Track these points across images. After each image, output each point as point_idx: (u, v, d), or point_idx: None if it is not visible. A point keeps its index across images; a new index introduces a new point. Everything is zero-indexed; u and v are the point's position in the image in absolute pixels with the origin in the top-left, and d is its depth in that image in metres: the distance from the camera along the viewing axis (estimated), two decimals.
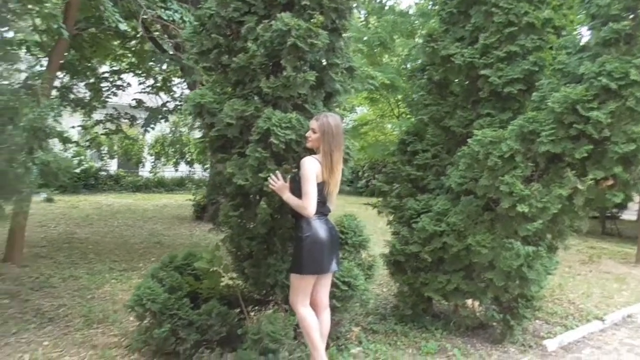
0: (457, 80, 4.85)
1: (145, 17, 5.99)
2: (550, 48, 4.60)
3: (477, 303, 4.79)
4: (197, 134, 18.34)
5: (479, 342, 4.52)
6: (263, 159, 3.25)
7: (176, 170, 21.06)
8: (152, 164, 20.44)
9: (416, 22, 17.59)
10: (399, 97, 19.09)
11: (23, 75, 4.34)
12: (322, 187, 3.17)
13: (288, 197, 3.15)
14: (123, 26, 5.30)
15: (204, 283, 3.95)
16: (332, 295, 3.73)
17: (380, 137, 19.67)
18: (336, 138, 3.16)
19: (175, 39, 6.62)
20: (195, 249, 4.38)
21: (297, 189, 3.15)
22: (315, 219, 3.15)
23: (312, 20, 3.15)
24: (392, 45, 17.11)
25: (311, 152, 3.28)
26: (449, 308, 5.23)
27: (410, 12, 17.96)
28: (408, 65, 18.44)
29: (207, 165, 20.25)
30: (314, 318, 3.29)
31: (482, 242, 4.07)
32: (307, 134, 3.22)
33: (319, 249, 3.16)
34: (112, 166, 20.12)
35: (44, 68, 6.29)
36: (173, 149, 18.88)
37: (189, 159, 20.61)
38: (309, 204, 3.05)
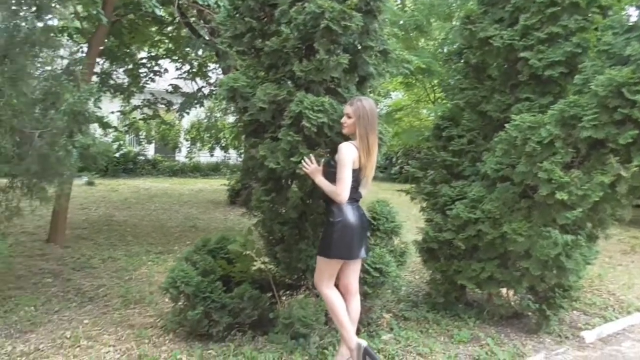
0: (495, 63, 4.70)
1: (181, 2, 6.03)
2: (595, 29, 4.39)
3: (511, 292, 4.69)
4: (232, 119, 18.55)
5: (513, 332, 4.44)
6: (295, 142, 3.24)
7: (211, 155, 21.36)
8: (188, 149, 20.78)
9: (454, 4, 17.16)
10: (435, 81, 18.74)
11: (64, 62, 4.43)
12: (357, 173, 3.14)
13: (320, 180, 3.14)
14: (159, 11, 5.35)
15: (237, 267, 3.99)
16: (364, 282, 3.72)
17: (415, 123, 19.35)
18: (371, 121, 3.12)
19: (210, 23, 6.63)
20: (229, 233, 4.42)
21: (330, 174, 3.13)
22: (347, 205, 3.12)
23: (346, 2, 3.09)
24: (428, 28, 16.74)
25: (345, 138, 3.25)
26: (482, 297, 5.14)
27: None
28: (445, 49, 18.08)
29: (242, 151, 20.47)
30: (340, 298, 3.27)
31: (518, 230, 3.96)
32: (342, 120, 3.18)
33: (349, 235, 3.14)
34: (150, 151, 20.57)
35: (84, 54, 6.43)
36: (208, 134, 19.13)
37: (223, 144, 20.85)
38: (342, 190, 3.02)
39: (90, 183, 14.17)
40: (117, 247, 7.27)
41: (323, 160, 3.24)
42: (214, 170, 20.29)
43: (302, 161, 3.17)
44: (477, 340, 4.19)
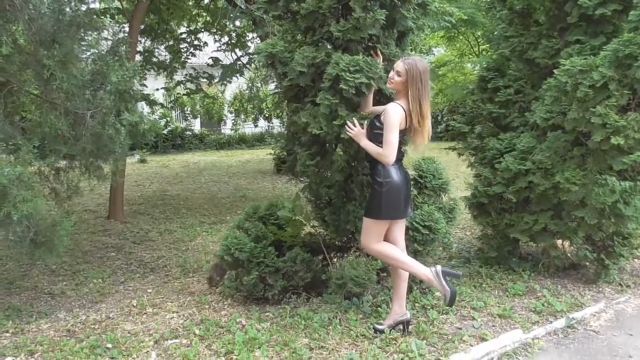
0: (541, 7, 4.47)
1: None
2: None
3: (567, 243, 4.58)
4: (273, 87, 18.60)
5: (570, 283, 4.35)
6: (334, 105, 3.22)
7: (255, 126, 21.58)
8: (233, 121, 21.05)
9: None
10: (479, 33, 18.07)
11: (109, 43, 4.55)
12: (402, 133, 3.10)
13: (366, 144, 3.12)
14: None
15: (287, 231, 4.07)
16: (414, 239, 3.72)
17: (460, 78, 18.81)
18: (424, 84, 3.04)
19: None
20: (277, 199, 4.50)
21: (375, 135, 3.10)
22: (392, 165, 3.10)
23: None
24: None
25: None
26: (537, 250, 5.05)
27: None
28: None
29: (285, 119, 20.56)
30: (391, 245, 3.27)
31: (571, 179, 3.84)
32: (390, 75, 3.12)
33: (396, 195, 3.13)
34: (196, 126, 20.98)
35: (126, 34, 6.57)
36: (251, 105, 19.30)
37: (267, 115, 20.99)
38: (390, 153, 3.00)
39: (142, 160, 14.66)
40: (173, 220, 7.55)
41: (366, 122, 3.21)
42: (259, 140, 20.54)
43: (346, 125, 3.16)
44: (533, 292, 4.15)
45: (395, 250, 3.26)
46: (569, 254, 4.50)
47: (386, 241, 3.31)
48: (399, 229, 3.35)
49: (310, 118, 3.31)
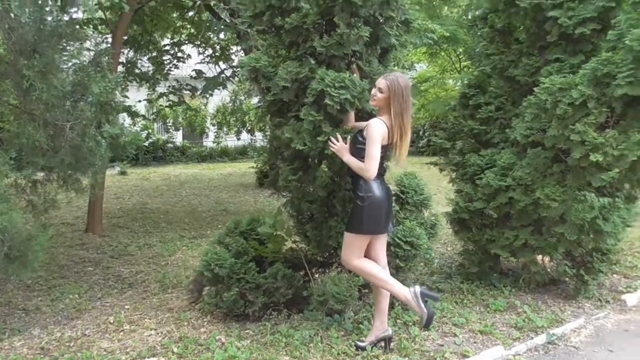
0: (522, 25, 4.55)
1: None
2: None
3: (547, 259, 4.61)
4: (256, 100, 18.58)
5: (550, 298, 4.38)
6: (317, 121, 3.21)
7: (238, 139, 21.50)
8: (215, 133, 20.95)
9: None
10: (460, 50, 18.35)
11: (91, 54, 4.50)
12: (385, 149, 3.11)
13: (348, 158, 3.12)
14: None
15: (268, 247, 4.03)
16: (395, 255, 3.71)
17: (442, 94, 19.04)
18: (406, 100, 3.06)
19: (229, 4, 6.59)
20: (259, 214, 4.46)
21: (357, 150, 3.11)
22: (374, 180, 3.10)
23: None
24: None
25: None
26: (517, 265, 5.08)
27: None
28: (469, 16, 17.60)
29: (268, 132, 20.53)
30: (371, 262, 3.25)
31: (551, 195, 3.88)
32: (372, 92, 3.14)
33: (378, 210, 3.13)
34: (178, 138, 20.83)
35: (109, 45, 6.51)
36: (234, 118, 19.23)
37: (249, 127, 20.94)
38: (371, 167, 3.00)
39: (122, 172, 14.47)
40: (152, 234, 7.45)
41: (349, 137, 3.21)
42: (241, 153, 20.45)
43: (329, 140, 3.15)
44: (514, 308, 4.16)
45: (376, 268, 3.24)
46: (549, 270, 4.53)
47: (367, 257, 3.30)
48: (380, 244, 3.34)
49: (293, 133, 3.30)
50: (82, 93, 4.07)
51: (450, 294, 4.43)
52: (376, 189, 3.10)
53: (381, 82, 3.11)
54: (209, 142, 21.29)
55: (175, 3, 10.63)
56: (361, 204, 3.09)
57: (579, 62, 4.11)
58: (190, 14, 11.37)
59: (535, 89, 3.80)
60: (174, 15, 11.28)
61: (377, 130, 3.01)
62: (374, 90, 3.14)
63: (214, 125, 20.79)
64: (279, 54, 3.59)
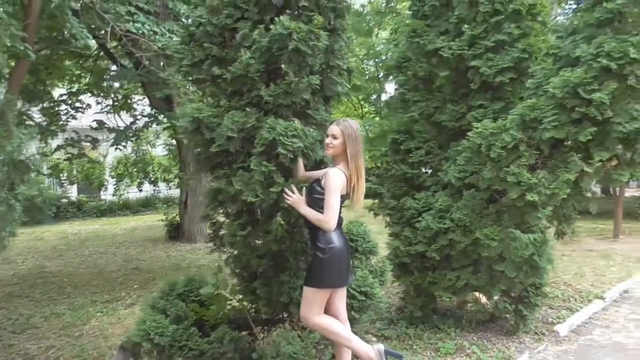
0: (443, 74, 4.78)
1: (108, 30, 5.68)
2: (534, 35, 4.59)
3: (483, 297, 4.73)
4: (161, 151, 17.85)
5: (493, 336, 4.47)
6: (270, 172, 3.07)
7: (140, 191, 20.42)
8: (115, 186, 19.73)
9: (371, 22, 17.71)
10: (361, 97, 19.18)
11: None
12: (343, 199, 3.03)
13: (305, 210, 2.98)
14: (91, 42, 4.98)
15: (211, 309, 3.73)
16: (350, 307, 3.58)
17: None
18: (359, 142, 3.04)
19: (147, 52, 6.31)
20: (193, 273, 4.15)
21: (315, 200, 2.99)
22: (333, 231, 2.99)
23: (312, 22, 2.99)
24: (350, 44, 17.15)
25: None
26: (452, 304, 5.17)
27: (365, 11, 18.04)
28: (368, 64, 18.56)
29: (173, 183, 19.73)
30: (333, 319, 3.13)
31: (490, 235, 4.01)
32: (327, 141, 3.07)
33: (339, 261, 3.02)
34: (73, 192, 19.33)
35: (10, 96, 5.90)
36: (136, 169, 18.27)
37: (152, 178, 19.99)
38: (331, 218, 2.89)
39: (12, 234, 13.00)
40: (58, 300, 6.67)
41: (305, 188, 3.10)
42: (143, 206, 19.40)
43: (284, 192, 3.01)
44: (462, 349, 4.18)
45: (337, 325, 3.10)
46: (488, 307, 4.64)
47: (327, 312, 3.15)
48: (340, 298, 3.20)
49: (243, 185, 3.11)
50: None
51: (398, 341, 4.37)
52: (336, 240, 2.99)
53: (334, 128, 3.06)
54: (107, 195, 19.97)
55: (72, 51, 10.06)
56: (322, 255, 2.96)
57: (500, 108, 4.39)
58: (89, 62, 10.82)
59: (469, 133, 3.96)
60: (69, 62, 10.64)
61: (336, 180, 2.93)
62: (328, 139, 3.07)
63: (113, 177, 19.59)
64: (220, 104, 3.43)
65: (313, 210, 2.98)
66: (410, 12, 5.30)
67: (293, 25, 2.92)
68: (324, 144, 3.17)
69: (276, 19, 3.01)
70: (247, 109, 3.28)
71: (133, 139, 10.04)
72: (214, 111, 3.24)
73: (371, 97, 20.05)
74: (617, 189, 10.28)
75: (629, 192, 15.95)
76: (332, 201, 2.90)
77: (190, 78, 3.42)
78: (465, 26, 4.49)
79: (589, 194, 3.88)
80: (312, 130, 3.21)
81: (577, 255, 8.06)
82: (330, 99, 3.66)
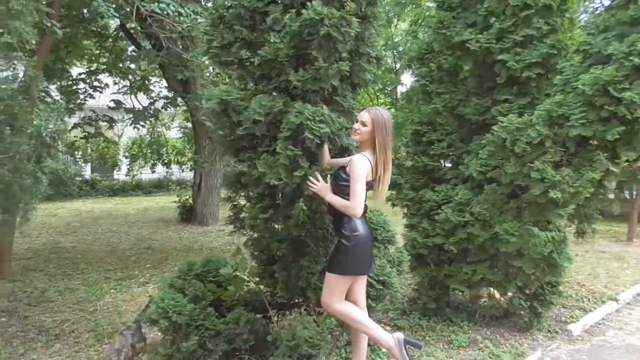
0: (468, 67, 4.75)
1: (134, 10, 5.68)
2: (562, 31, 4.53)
3: (496, 292, 4.72)
4: (176, 134, 17.91)
5: (506, 332, 4.47)
6: (295, 156, 3.07)
7: (153, 172, 20.55)
8: (128, 166, 19.87)
9: (391, 12, 17.56)
10: (377, 88, 19.08)
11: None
12: (368, 186, 3.02)
13: (332, 197, 2.98)
14: (116, 21, 4.99)
15: (229, 290, 3.76)
16: (367, 295, 3.59)
17: None
18: (389, 133, 3.03)
19: (172, 33, 6.31)
20: (214, 255, 4.18)
21: (340, 187, 2.99)
22: (358, 219, 3.00)
23: (345, 9, 2.98)
24: (380, 32, 17.09)
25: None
26: (465, 298, 5.17)
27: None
28: (385, 55, 18.42)
29: (186, 166, 19.83)
30: (354, 306, 3.16)
31: (510, 230, 3.99)
32: (356, 127, 3.06)
33: (363, 249, 3.02)
34: (86, 171, 19.50)
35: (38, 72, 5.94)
36: (150, 150, 18.36)
37: (166, 160, 20.10)
38: (358, 204, 2.88)
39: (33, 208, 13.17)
40: (72, 276, 6.76)
41: (329, 175, 3.09)
42: (156, 187, 19.53)
43: (309, 180, 3.01)
44: (475, 343, 4.18)
45: (358, 312, 3.12)
46: (503, 303, 4.63)
47: (346, 298, 3.16)
48: (361, 285, 3.22)
49: (267, 168, 3.12)
50: (10, 123, 3.62)
51: (411, 332, 4.38)
52: (361, 228, 3.00)
53: (365, 115, 3.05)
54: (120, 175, 20.12)
55: (93, 30, 10.09)
56: (347, 243, 2.96)
57: (525, 103, 4.35)
58: (109, 41, 10.84)
59: (493, 127, 3.93)
60: (87, 42, 10.68)
61: (361, 166, 2.93)
62: (357, 125, 3.07)
63: (127, 157, 19.72)
64: (247, 87, 3.43)
65: (338, 197, 2.97)
66: (436, 4, 5.26)
67: (325, 10, 2.91)
68: (350, 130, 3.16)
69: (308, 3, 2.99)
70: (275, 94, 3.28)
71: (152, 119, 10.04)
72: (242, 94, 3.24)
73: (387, 89, 19.97)
74: (634, 192, 10.16)
75: None
76: (358, 187, 2.89)
77: (219, 60, 3.40)
78: (494, 19, 4.43)
79: (611, 195, 3.83)
80: (339, 117, 3.21)
81: (590, 257, 8.00)
82: (357, 86, 3.65)
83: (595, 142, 3.68)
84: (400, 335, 3.08)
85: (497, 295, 4.69)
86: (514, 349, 4.08)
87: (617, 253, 8.34)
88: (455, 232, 4.30)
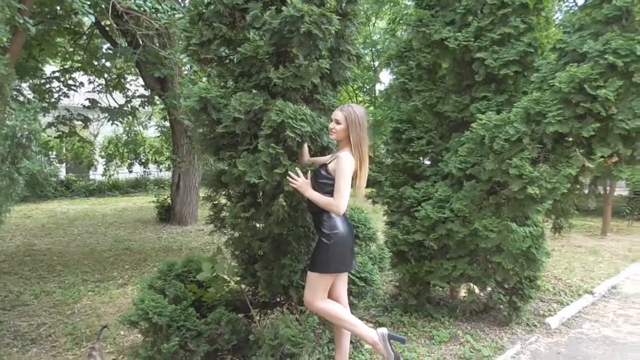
0: (447, 65, 4.79)
1: (109, 7, 5.57)
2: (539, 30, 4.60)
3: (475, 287, 4.78)
4: (153, 133, 17.67)
5: (486, 326, 4.52)
6: (276, 154, 3.05)
7: (130, 172, 20.25)
8: (105, 166, 19.54)
9: (369, 10, 17.59)
10: (356, 86, 19.11)
11: None
12: (351, 183, 3.02)
13: (312, 194, 2.97)
14: (91, 18, 4.90)
15: (210, 290, 3.73)
16: (349, 292, 3.60)
17: None
18: (363, 129, 3.02)
19: (149, 30, 6.21)
20: (192, 254, 4.14)
21: (321, 185, 2.98)
22: (339, 216, 2.99)
23: (325, 6, 2.97)
24: (360, 31, 17.09)
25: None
26: (445, 294, 5.22)
27: None
28: (364, 53, 18.43)
29: (164, 165, 19.59)
30: (336, 303, 3.15)
31: (489, 226, 4.04)
32: (331, 126, 3.06)
33: (344, 246, 3.02)
34: (61, 171, 19.11)
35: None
36: (127, 150, 18.06)
37: (143, 160, 19.81)
38: (342, 202, 2.88)
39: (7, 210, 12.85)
40: (48, 279, 6.62)
41: (309, 172, 3.08)
42: (133, 187, 19.25)
43: (288, 176, 2.99)
44: (456, 338, 4.23)
45: (341, 310, 3.12)
46: (483, 298, 4.69)
47: (328, 296, 3.16)
48: (343, 283, 3.22)
49: (247, 167, 3.10)
50: None
51: (392, 328, 4.40)
52: (340, 225, 2.99)
53: (338, 114, 3.05)
54: (97, 175, 19.78)
55: (67, 28, 9.89)
56: (327, 241, 2.95)
57: (503, 101, 4.41)
58: (83, 39, 10.64)
59: (472, 124, 3.97)
60: (64, 40, 10.47)
61: (349, 164, 2.92)
62: (332, 124, 3.06)
63: (103, 157, 19.38)
64: (227, 85, 3.39)
65: (320, 194, 2.96)
66: (414, 2, 5.28)
67: (306, 7, 2.89)
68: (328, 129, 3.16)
69: (288, 0, 2.98)
70: (255, 91, 3.26)
71: (129, 117, 9.88)
72: (222, 92, 3.21)
73: (366, 87, 20.01)
74: (608, 187, 10.41)
75: (617, 191, 16.15)
76: (343, 185, 2.89)
77: (197, 58, 3.36)
78: (472, 17, 4.48)
79: (586, 190, 3.91)
80: (320, 116, 3.20)
81: (566, 251, 8.17)
82: (337, 84, 3.64)
83: (571, 139, 3.74)
84: (384, 330, 3.09)
85: (476, 290, 4.74)
86: (494, 343, 4.13)
87: (592, 247, 8.52)
88: (435, 228, 4.33)
